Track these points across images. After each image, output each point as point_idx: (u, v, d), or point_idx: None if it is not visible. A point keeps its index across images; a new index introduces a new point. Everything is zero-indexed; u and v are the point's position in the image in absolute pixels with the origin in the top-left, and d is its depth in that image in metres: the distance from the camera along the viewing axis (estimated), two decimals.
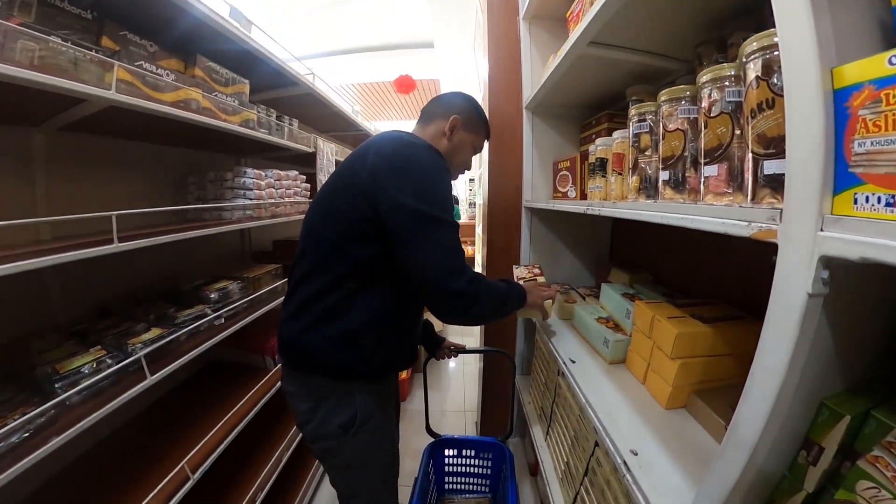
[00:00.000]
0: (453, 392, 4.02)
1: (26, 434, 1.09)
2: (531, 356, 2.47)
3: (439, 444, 2.21)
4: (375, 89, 8.36)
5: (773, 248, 0.58)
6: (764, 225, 0.60)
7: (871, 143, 0.48)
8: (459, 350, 2.09)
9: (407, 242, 1.20)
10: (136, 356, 1.39)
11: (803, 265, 0.53)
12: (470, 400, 3.80)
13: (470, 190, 8.72)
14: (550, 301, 1.67)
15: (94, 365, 1.32)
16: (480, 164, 3.55)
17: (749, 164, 0.69)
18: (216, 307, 1.90)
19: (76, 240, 1.40)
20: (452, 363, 4.58)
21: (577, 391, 1.34)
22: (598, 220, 2.42)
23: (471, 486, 2.34)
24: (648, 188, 1.10)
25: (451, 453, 2.24)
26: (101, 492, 1.51)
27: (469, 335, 5.15)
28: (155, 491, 1.42)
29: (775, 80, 0.65)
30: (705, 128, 0.83)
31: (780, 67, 0.59)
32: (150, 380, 1.39)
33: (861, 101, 0.49)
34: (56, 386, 1.21)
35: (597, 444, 1.32)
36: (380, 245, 1.26)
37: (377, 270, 1.30)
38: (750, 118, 0.69)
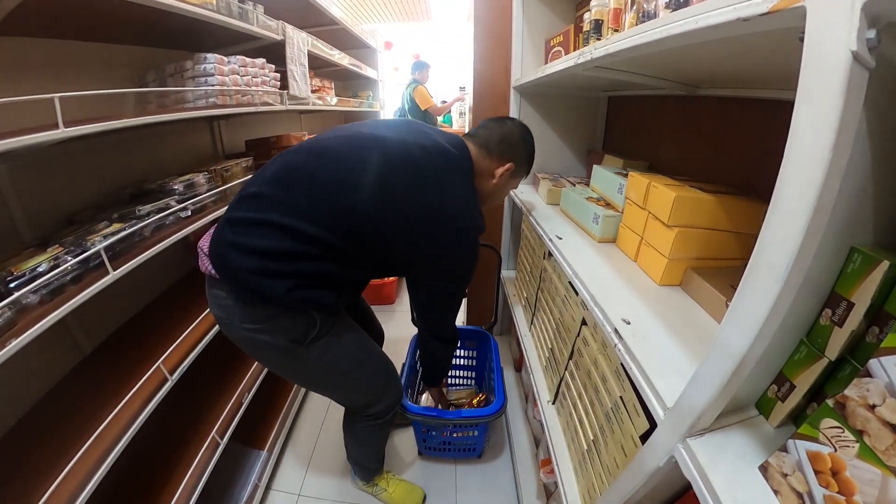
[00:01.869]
0: None
1: None
2: (517, 249, 2.41)
3: None
4: None
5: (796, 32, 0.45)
6: None
7: None
8: None
9: (422, 296, 1.45)
10: (95, 248, 1.28)
11: (843, 19, 0.39)
12: None
13: (462, 88, 8.39)
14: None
15: (52, 261, 1.23)
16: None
17: None
18: (182, 198, 1.78)
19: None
20: None
21: (565, 265, 1.26)
22: (592, 101, 2.27)
23: (457, 379, 2.38)
24: (646, 18, 0.96)
25: None
26: (78, 396, 1.49)
27: None
28: (132, 392, 1.36)
29: None
30: None
31: None
32: (113, 275, 1.29)
33: None
34: (10, 287, 1.13)
35: (584, 323, 1.25)
36: (371, 257, 1.26)
37: (356, 261, 1.25)
38: None
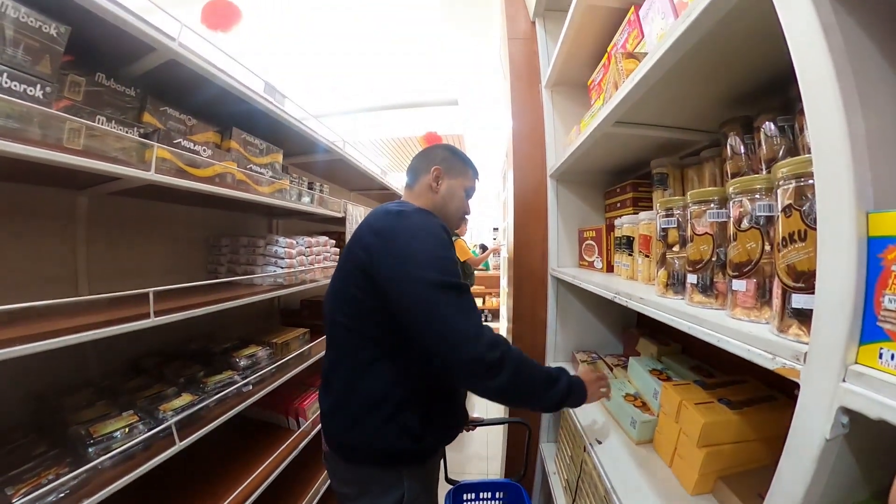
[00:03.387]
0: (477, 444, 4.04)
1: (61, 496, 1.14)
2: (557, 425, 2.42)
3: (458, 489, 2.24)
4: (404, 144, 8.57)
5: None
6: (788, 363, 0.61)
7: None
8: (476, 423, 2.04)
9: (414, 315, 1.15)
10: (168, 423, 1.42)
11: (823, 411, 0.54)
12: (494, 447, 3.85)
13: (494, 239, 8.76)
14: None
15: (127, 430, 1.36)
16: (505, 216, 3.55)
17: (778, 291, 0.69)
18: (245, 374, 1.93)
19: (114, 306, 1.48)
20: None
21: (603, 476, 1.32)
22: None
23: None
24: (676, 285, 1.10)
25: (469, 496, 2.26)
26: None
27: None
28: None
29: (808, 210, 0.65)
30: (734, 240, 0.84)
31: (813, 196, 0.60)
32: (179, 445, 1.42)
33: (895, 256, 0.49)
34: (90, 450, 1.26)
35: None
36: (396, 321, 1.21)
37: (402, 347, 1.27)
38: (781, 246, 0.69)
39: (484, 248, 5.48)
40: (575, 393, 1.30)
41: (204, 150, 1.64)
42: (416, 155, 1.61)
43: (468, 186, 1.61)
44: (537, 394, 1.22)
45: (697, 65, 0.99)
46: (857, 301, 0.52)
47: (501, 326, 6.99)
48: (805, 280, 0.64)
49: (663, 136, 1.51)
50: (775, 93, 1.02)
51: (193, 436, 1.49)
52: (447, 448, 2.18)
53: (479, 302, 7.98)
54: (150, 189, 1.57)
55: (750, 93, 1.14)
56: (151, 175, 1.34)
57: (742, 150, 1.07)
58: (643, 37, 1.40)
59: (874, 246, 0.51)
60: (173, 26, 1.39)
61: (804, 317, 0.63)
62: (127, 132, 1.35)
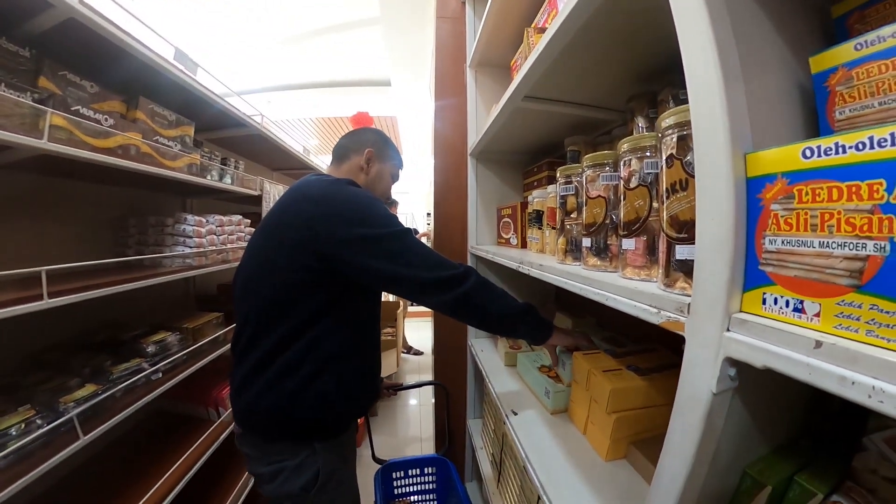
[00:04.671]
0: (412, 426, 4.06)
1: None
2: (482, 398, 2.46)
3: (386, 469, 2.27)
4: (333, 124, 8.30)
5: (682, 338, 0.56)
6: (672, 315, 0.59)
7: (782, 242, 0.46)
8: (396, 388, 2.07)
9: (378, 272, 1.20)
10: (68, 416, 1.32)
11: (708, 363, 0.51)
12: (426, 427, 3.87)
13: (427, 224, 8.71)
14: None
15: (23, 426, 1.25)
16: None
17: (662, 245, 0.67)
18: (154, 360, 1.81)
19: (3, 292, 1.31)
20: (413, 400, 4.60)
21: (519, 448, 1.31)
22: None
23: None
24: (574, 251, 1.10)
25: (398, 475, 2.32)
26: None
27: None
28: None
29: (689, 160, 0.63)
30: (623, 199, 0.82)
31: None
32: (83, 440, 1.32)
33: (773, 195, 0.47)
34: None
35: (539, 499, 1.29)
36: (323, 292, 1.26)
37: (323, 318, 1.28)
38: (665, 197, 0.67)
39: (416, 232, 5.42)
40: (538, 320, 1.31)
41: (106, 120, 1.52)
42: (346, 134, 1.66)
43: (394, 173, 1.71)
44: (497, 297, 1.27)
45: (599, 36, 1.00)
46: (738, 245, 0.49)
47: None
48: (687, 230, 0.62)
49: (575, 114, 1.53)
50: (678, 69, 1.02)
51: (98, 429, 1.38)
52: (374, 430, 2.16)
53: None
54: (46, 162, 1.45)
55: (655, 69, 1.16)
56: (44, 143, 1.22)
57: (647, 125, 1.11)
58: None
59: (753, 187, 0.49)
60: None
61: (689, 269, 0.61)
62: (19, 97, 1.21)
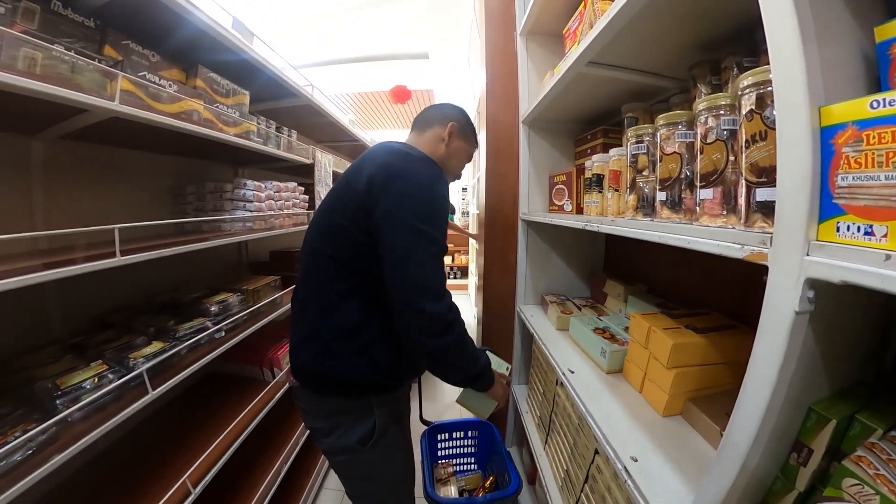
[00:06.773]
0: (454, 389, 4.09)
1: (29, 452, 1.08)
2: (528, 366, 2.52)
3: (432, 430, 2.41)
4: (371, 99, 8.38)
5: (763, 269, 0.63)
6: (756, 248, 0.66)
7: (853, 178, 0.54)
8: None
9: (395, 255, 1.19)
10: (139, 371, 1.38)
11: (791, 286, 0.59)
12: None
13: (463, 199, 8.78)
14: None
15: (96, 380, 1.31)
16: (475, 173, 3.56)
17: (742, 190, 0.75)
18: (216, 320, 1.90)
19: (76, 251, 1.41)
20: None
21: (578, 401, 1.38)
22: (594, 232, 2.46)
23: (461, 466, 2.52)
24: (646, 207, 1.15)
25: (443, 436, 2.48)
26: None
27: None
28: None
29: (768, 114, 0.70)
30: (701, 153, 0.89)
31: (772, 102, 0.65)
32: (152, 394, 1.38)
33: (845, 140, 0.54)
34: (58, 402, 1.20)
35: (597, 452, 1.36)
36: (379, 257, 1.26)
37: (381, 283, 1.25)
38: (744, 147, 0.74)
39: (453, 210, 5.47)
40: (486, 376, 1.41)
41: (170, 86, 1.58)
42: (430, 107, 1.66)
43: (470, 153, 1.70)
44: (465, 363, 1.33)
45: (668, 5, 1.03)
46: (815, 183, 0.57)
47: (470, 283, 7.10)
48: (767, 174, 0.70)
49: (635, 80, 1.55)
50: (742, 38, 1.09)
51: (166, 384, 1.45)
52: (424, 395, 2.25)
53: (448, 259, 8.08)
54: (110, 131, 1.51)
55: (718, 39, 1.20)
56: (116, 105, 1.24)
57: (709, 91, 1.15)
58: None
59: (826, 134, 0.57)
60: None
61: (768, 210, 0.69)
62: (88, 64, 1.22)
